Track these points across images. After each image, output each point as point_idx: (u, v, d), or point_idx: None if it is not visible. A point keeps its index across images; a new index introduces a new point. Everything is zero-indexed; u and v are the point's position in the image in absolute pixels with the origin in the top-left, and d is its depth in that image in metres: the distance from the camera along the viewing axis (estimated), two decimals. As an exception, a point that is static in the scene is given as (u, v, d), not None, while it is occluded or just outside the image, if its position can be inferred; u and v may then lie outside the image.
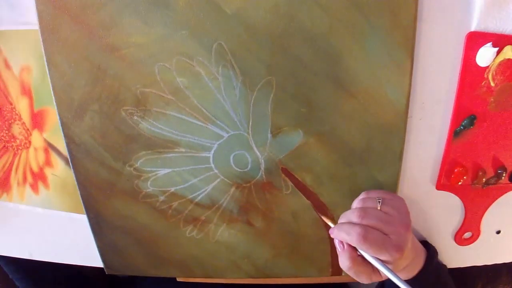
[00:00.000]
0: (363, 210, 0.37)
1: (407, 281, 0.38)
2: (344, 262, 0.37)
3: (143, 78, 0.38)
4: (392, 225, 0.35)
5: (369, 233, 0.35)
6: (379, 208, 0.37)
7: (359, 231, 0.35)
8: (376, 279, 0.37)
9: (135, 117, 0.40)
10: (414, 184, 0.43)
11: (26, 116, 0.43)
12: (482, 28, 0.35)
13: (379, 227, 0.35)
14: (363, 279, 0.37)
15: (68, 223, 0.48)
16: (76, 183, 0.44)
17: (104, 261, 0.49)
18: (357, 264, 0.36)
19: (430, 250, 0.43)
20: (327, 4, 0.35)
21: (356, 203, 0.40)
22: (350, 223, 0.36)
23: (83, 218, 0.46)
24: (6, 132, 0.44)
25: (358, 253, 0.37)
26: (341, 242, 0.37)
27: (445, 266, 0.47)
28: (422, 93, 0.38)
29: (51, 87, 0.39)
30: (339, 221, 0.38)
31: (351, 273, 0.37)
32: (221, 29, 0.36)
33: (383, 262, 0.35)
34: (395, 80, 0.37)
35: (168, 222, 0.45)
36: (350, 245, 0.36)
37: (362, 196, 0.40)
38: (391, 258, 0.35)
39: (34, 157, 0.45)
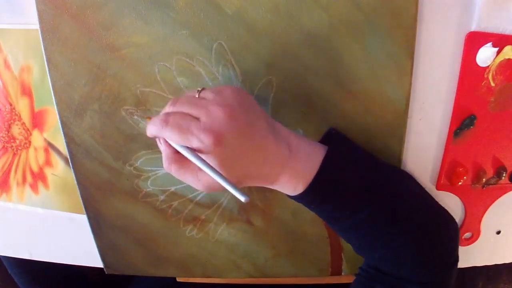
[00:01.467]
0: (175, 99, 0.32)
1: (297, 196, 0.34)
2: (164, 162, 0.32)
3: (143, 78, 0.38)
4: (204, 107, 0.30)
5: (170, 116, 0.30)
6: (197, 96, 0.32)
7: (161, 116, 0.30)
8: (205, 179, 0.31)
9: (135, 117, 0.40)
10: (414, 184, 0.43)
11: (26, 116, 0.43)
12: (482, 28, 0.35)
13: (188, 111, 0.30)
14: (190, 180, 0.32)
15: (68, 223, 0.48)
16: (76, 182, 0.44)
17: (103, 260, 0.49)
18: (175, 161, 0.31)
19: (329, 151, 0.34)
20: (327, 4, 0.35)
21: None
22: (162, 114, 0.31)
23: (83, 218, 0.46)
24: (6, 132, 0.44)
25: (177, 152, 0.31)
26: (158, 141, 0.33)
27: (360, 160, 0.37)
28: (422, 93, 0.38)
29: (51, 87, 0.39)
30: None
31: (174, 174, 0.32)
32: (221, 29, 0.36)
33: (195, 151, 0.30)
34: (396, 80, 0.37)
35: (168, 222, 0.45)
36: (166, 142, 0.32)
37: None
38: (202, 144, 0.29)
39: (34, 157, 0.45)
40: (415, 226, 0.35)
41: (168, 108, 0.32)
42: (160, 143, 0.32)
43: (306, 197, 0.34)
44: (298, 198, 0.34)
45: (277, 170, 0.32)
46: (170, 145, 0.31)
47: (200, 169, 0.30)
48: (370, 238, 0.36)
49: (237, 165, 0.31)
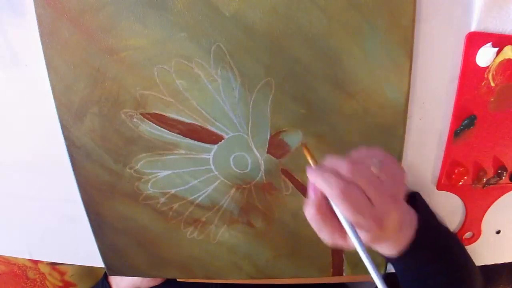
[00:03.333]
0: (354, 165, 0.31)
1: (390, 259, 0.36)
2: (310, 209, 0.32)
3: (142, 81, 0.38)
4: (381, 193, 0.31)
5: (352, 191, 0.30)
6: (373, 170, 0.32)
7: (342, 185, 0.30)
8: (337, 242, 0.32)
9: (135, 119, 0.40)
10: (414, 184, 0.43)
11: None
12: (482, 28, 0.35)
13: (366, 189, 0.31)
14: (324, 236, 0.33)
15: (68, 223, 0.49)
16: (76, 185, 0.44)
17: (105, 262, 0.49)
18: (322, 214, 0.32)
19: (421, 220, 0.36)
20: (325, 5, 0.34)
21: (352, 154, 0.34)
22: (335, 171, 0.31)
23: (84, 218, 0.46)
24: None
25: (328, 206, 0.32)
26: (315, 187, 0.32)
27: (445, 231, 0.40)
28: (422, 93, 0.38)
29: (51, 90, 0.39)
30: (324, 163, 0.33)
31: (312, 224, 0.33)
32: (220, 31, 0.36)
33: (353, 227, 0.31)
34: (394, 80, 0.37)
35: (169, 224, 0.46)
36: (323, 194, 0.32)
37: (362, 150, 0.35)
38: (368, 229, 0.31)
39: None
40: None
41: (344, 171, 0.31)
42: (315, 190, 0.32)
43: (404, 256, 0.35)
44: (395, 259, 0.36)
45: (391, 237, 0.34)
46: (326, 199, 0.32)
47: (339, 231, 0.32)
48: None
49: (382, 240, 0.33)
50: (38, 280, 0.65)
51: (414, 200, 0.40)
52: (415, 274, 0.37)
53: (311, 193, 0.33)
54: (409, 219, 0.36)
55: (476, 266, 0.41)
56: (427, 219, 0.37)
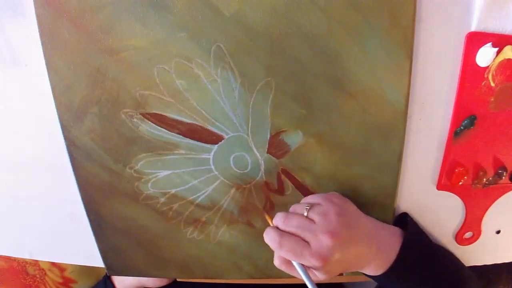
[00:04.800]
0: (285, 217, 0.37)
1: (377, 276, 0.39)
2: (275, 260, 0.38)
3: (142, 81, 0.38)
4: (312, 232, 0.35)
5: (285, 240, 0.35)
6: (305, 214, 0.37)
7: (276, 239, 0.36)
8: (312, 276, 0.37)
9: (135, 120, 0.40)
10: (414, 184, 0.43)
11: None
12: (482, 28, 0.35)
13: (299, 233, 0.36)
14: (296, 275, 0.37)
15: (68, 223, 0.49)
16: (76, 185, 0.44)
17: (105, 262, 0.49)
18: (285, 263, 0.37)
19: (406, 237, 0.40)
20: (325, 5, 0.34)
21: (290, 208, 0.40)
22: (275, 228, 0.37)
23: (84, 218, 0.46)
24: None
25: None
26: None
27: (438, 251, 0.44)
28: (422, 93, 0.38)
29: (51, 90, 0.39)
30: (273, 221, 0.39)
31: (284, 270, 0.38)
32: (220, 31, 0.36)
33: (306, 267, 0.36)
34: (394, 80, 0.37)
35: (169, 224, 0.46)
36: None
37: (303, 200, 0.41)
38: (313, 265, 0.35)
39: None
40: None
41: (280, 222, 0.37)
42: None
43: (387, 277, 0.40)
44: (378, 277, 0.40)
45: (366, 263, 0.39)
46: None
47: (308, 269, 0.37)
48: None
49: (338, 270, 0.37)
50: (38, 276, 0.65)
51: (404, 221, 0.43)
52: None
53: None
54: (390, 237, 0.40)
55: (475, 283, 0.43)
56: (415, 240, 0.41)
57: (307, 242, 0.35)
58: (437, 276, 0.41)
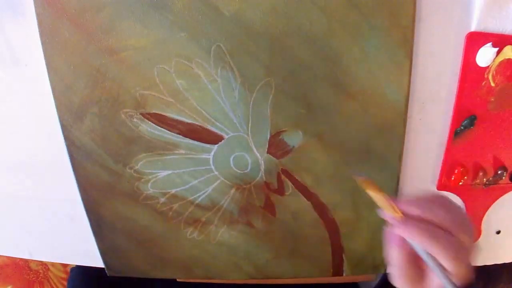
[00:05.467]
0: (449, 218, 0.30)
1: None
2: (396, 258, 0.31)
3: (142, 81, 0.38)
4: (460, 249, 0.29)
5: (440, 236, 0.29)
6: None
7: (430, 231, 0.29)
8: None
9: (135, 120, 0.40)
10: (414, 184, 0.43)
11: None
12: (482, 28, 0.35)
13: (449, 228, 0.29)
14: (403, 285, 0.31)
15: (68, 222, 0.49)
16: (76, 185, 0.44)
17: (105, 262, 0.49)
18: (408, 262, 0.30)
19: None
20: (325, 5, 0.34)
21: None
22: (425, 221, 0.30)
23: (84, 218, 0.46)
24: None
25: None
26: (399, 238, 0.31)
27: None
28: (422, 93, 0.38)
29: (51, 90, 0.39)
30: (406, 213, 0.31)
31: (395, 272, 0.31)
32: (220, 31, 0.36)
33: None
34: (394, 80, 0.37)
35: (169, 224, 0.46)
36: (406, 242, 0.31)
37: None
38: (458, 269, 0.29)
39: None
40: None
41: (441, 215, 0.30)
42: (398, 240, 0.31)
43: None
44: None
45: None
46: (412, 263, 0.30)
47: (421, 280, 0.30)
48: None
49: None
50: (41, 271, 0.66)
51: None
52: None
53: (393, 241, 0.31)
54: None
55: None
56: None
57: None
58: None
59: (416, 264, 0.31)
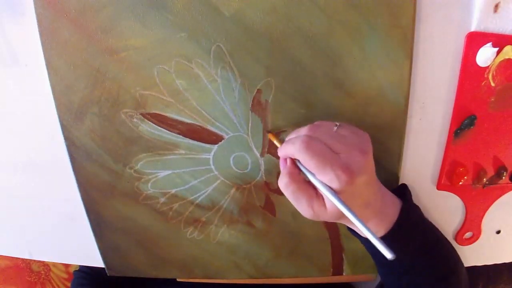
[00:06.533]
0: (315, 125, 0.33)
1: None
2: (282, 178, 0.32)
3: (142, 81, 0.38)
4: (345, 144, 0.31)
5: (313, 141, 0.30)
6: (335, 129, 0.32)
7: (303, 139, 0.30)
8: (318, 213, 0.32)
9: (135, 120, 0.40)
10: (414, 184, 0.43)
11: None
12: (482, 28, 0.35)
13: (329, 143, 0.31)
14: (303, 205, 0.32)
15: (68, 222, 0.49)
16: (76, 185, 0.44)
17: (105, 262, 0.49)
18: (296, 181, 0.32)
19: (405, 201, 0.37)
20: (325, 5, 0.34)
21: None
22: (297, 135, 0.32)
23: (84, 218, 0.46)
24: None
25: (300, 175, 0.32)
26: (284, 160, 0.33)
27: (430, 224, 0.41)
28: (422, 93, 0.38)
29: (51, 90, 0.39)
30: (287, 138, 0.34)
31: (289, 195, 0.32)
32: (220, 31, 0.36)
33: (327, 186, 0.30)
34: (394, 80, 0.37)
35: (169, 224, 0.46)
36: (293, 162, 0.33)
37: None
38: (337, 180, 0.29)
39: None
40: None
41: (306, 131, 0.32)
42: (285, 162, 0.33)
43: (390, 238, 0.36)
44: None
45: (373, 213, 0.35)
46: (296, 166, 0.32)
47: (317, 196, 0.32)
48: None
49: (356, 201, 0.32)
50: (42, 272, 0.66)
51: (402, 192, 0.41)
52: (400, 266, 0.37)
53: (281, 167, 0.33)
54: (391, 199, 0.37)
55: (461, 262, 0.41)
56: (412, 210, 0.38)
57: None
58: (431, 247, 0.38)
59: (305, 182, 0.32)
